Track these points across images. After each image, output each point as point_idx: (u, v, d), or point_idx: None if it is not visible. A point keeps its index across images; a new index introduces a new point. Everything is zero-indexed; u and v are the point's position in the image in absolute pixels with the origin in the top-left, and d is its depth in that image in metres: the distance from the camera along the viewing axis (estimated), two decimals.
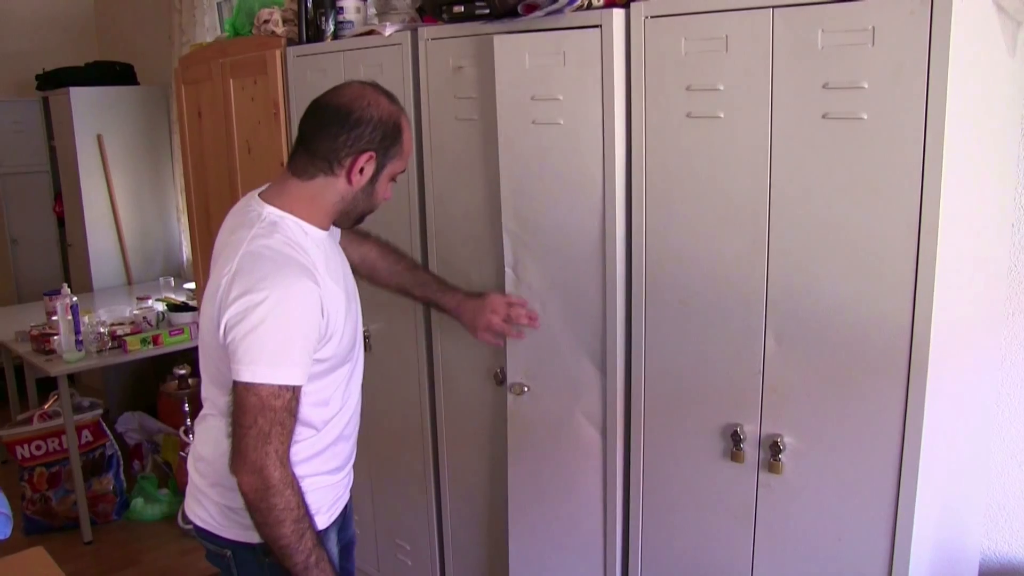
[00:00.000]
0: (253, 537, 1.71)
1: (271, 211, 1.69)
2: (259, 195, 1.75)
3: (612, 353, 2.00)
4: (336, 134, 1.66)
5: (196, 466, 1.82)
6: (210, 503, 1.79)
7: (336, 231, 1.88)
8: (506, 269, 2.17)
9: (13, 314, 4.80)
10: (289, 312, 1.57)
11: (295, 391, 1.59)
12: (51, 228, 6.05)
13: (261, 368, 1.55)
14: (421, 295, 2.23)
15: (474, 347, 2.35)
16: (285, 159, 2.93)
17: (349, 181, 1.69)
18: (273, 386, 1.55)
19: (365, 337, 2.71)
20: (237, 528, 1.76)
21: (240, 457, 1.57)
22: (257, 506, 1.59)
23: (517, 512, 2.32)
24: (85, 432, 4.02)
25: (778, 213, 1.66)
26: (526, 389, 2.19)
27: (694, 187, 1.78)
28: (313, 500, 1.71)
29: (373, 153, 1.69)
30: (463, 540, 2.60)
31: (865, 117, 1.51)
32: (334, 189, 1.70)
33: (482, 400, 2.38)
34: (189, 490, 1.86)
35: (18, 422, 4.03)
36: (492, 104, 2.14)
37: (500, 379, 2.28)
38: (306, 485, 1.68)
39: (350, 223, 1.82)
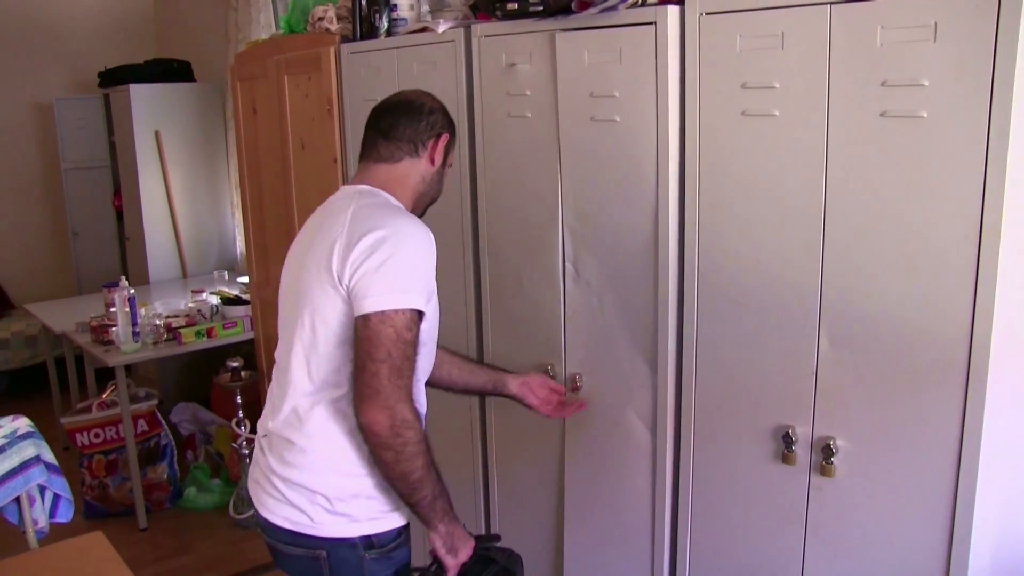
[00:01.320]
0: (354, 530, 1.73)
1: (366, 187, 1.80)
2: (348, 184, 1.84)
3: (663, 351, 1.99)
4: (417, 121, 1.83)
5: (294, 460, 1.75)
6: (306, 500, 1.74)
7: None
8: (566, 264, 2.17)
9: (74, 305, 4.92)
10: (412, 245, 1.69)
11: (419, 325, 1.66)
12: (110, 222, 6.19)
13: (396, 295, 1.61)
14: (484, 382, 2.18)
15: (524, 343, 2.36)
16: (338, 155, 2.97)
17: (431, 161, 1.85)
18: (406, 313, 1.61)
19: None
20: (339, 523, 1.74)
21: (373, 394, 1.59)
22: (391, 443, 1.61)
23: (573, 509, 2.32)
24: (141, 421, 4.11)
25: (834, 213, 1.64)
26: (580, 384, 2.19)
27: (748, 185, 1.76)
28: (393, 497, 1.75)
29: (448, 135, 1.87)
30: (510, 536, 2.60)
31: (925, 115, 1.48)
32: (418, 169, 1.85)
33: None
34: (270, 493, 1.80)
35: (78, 410, 4.13)
36: (545, 101, 2.14)
37: (550, 375, 2.28)
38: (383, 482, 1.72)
39: (422, 210, 1.91)
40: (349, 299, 1.65)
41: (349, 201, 1.76)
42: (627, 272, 2.05)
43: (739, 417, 1.87)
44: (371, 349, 1.59)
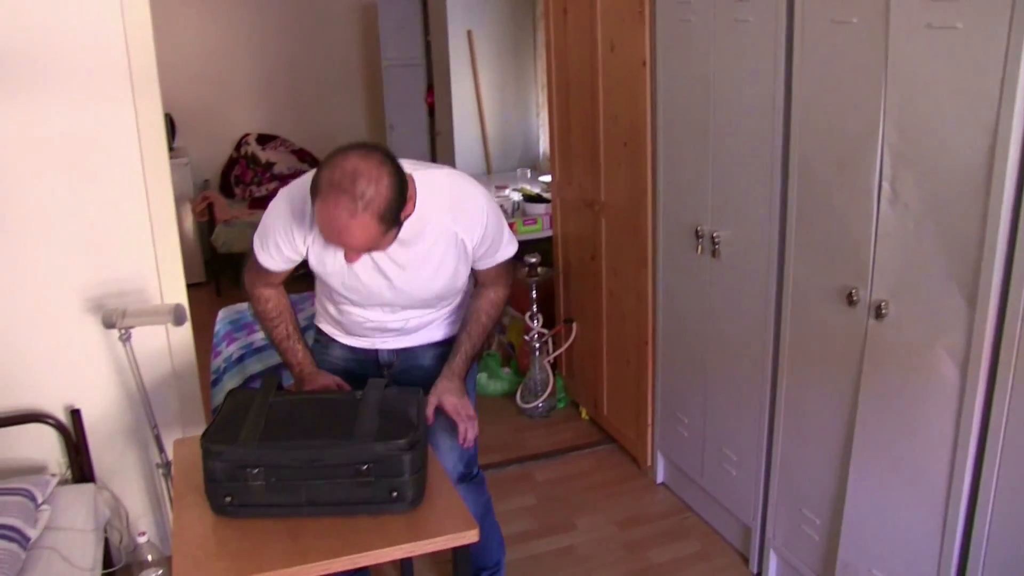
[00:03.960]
0: None
1: None
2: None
3: (986, 286, 1.82)
4: None
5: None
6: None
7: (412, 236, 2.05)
8: (883, 184, 2.03)
9: None
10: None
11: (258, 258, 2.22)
12: (422, 117, 6.55)
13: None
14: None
15: (828, 264, 2.26)
16: (647, 58, 2.95)
17: None
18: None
19: (715, 242, 2.70)
20: None
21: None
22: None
23: (863, 441, 2.23)
24: None
25: None
26: (885, 312, 2.07)
27: None
28: None
29: None
30: (793, 459, 2.55)
31: None
32: None
33: (831, 320, 2.28)
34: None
35: None
36: (874, 5, 1.98)
37: (853, 300, 2.17)
38: None
39: None
40: None
41: None
42: (952, 197, 1.88)
43: None
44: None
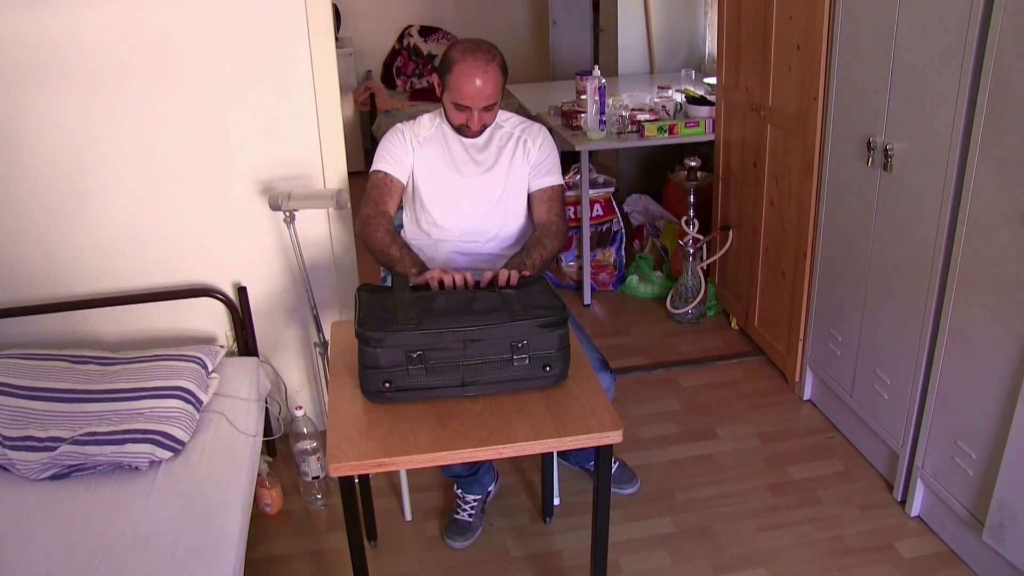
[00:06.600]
0: None
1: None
2: None
3: None
4: None
5: None
6: None
7: (485, 140, 2.54)
8: None
9: (547, 90, 5.24)
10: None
11: (380, 177, 2.55)
12: (587, 12, 6.40)
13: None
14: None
15: (1016, 185, 2.09)
16: None
17: (440, 95, 2.45)
18: (375, 172, 2.56)
19: (888, 155, 2.55)
20: None
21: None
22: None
23: None
24: (597, 206, 4.37)
25: None
26: None
27: None
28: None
29: (436, 75, 2.43)
30: (952, 387, 2.44)
31: None
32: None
33: (1011, 246, 2.13)
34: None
35: None
36: None
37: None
38: None
39: (460, 132, 2.48)
40: None
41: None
42: None
43: None
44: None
